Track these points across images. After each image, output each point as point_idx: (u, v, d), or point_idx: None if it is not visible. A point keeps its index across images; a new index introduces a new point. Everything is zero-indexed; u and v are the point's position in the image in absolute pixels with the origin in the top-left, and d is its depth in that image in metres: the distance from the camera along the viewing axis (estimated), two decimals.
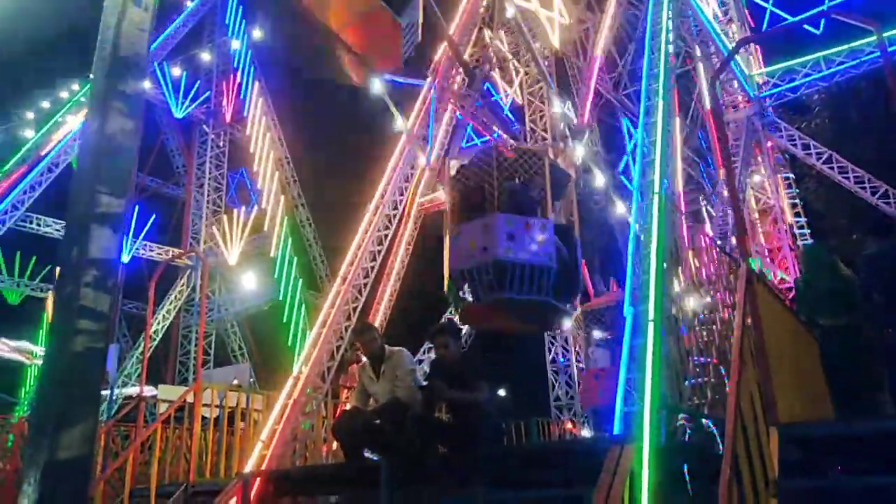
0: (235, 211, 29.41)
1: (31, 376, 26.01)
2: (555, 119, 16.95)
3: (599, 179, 18.40)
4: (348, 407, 8.01)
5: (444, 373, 6.33)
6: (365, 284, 13.76)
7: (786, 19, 19.42)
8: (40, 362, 24.98)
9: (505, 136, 18.29)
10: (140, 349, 26.73)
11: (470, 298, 8.10)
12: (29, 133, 25.25)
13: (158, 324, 27.82)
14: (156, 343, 27.67)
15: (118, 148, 2.88)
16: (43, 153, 24.28)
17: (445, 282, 8.47)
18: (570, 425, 19.25)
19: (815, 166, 19.47)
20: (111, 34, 2.97)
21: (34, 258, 27.08)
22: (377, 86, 15.62)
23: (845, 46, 18.09)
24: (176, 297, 29.03)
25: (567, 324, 14.57)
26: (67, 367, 2.69)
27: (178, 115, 29.84)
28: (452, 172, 9.23)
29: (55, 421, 2.59)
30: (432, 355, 20.22)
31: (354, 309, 12.96)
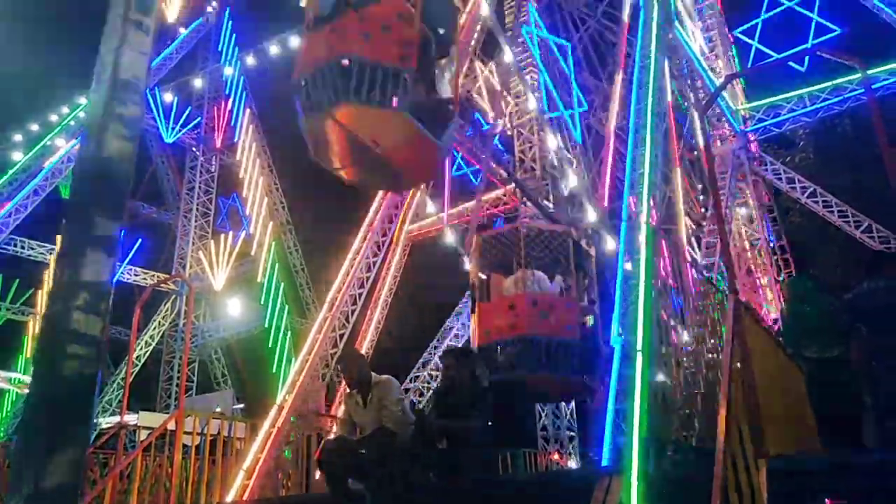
0: (223, 235, 29.31)
1: (9, 402, 25.55)
2: (547, 153, 16.97)
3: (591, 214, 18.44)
4: (332, 436, 7.86)
5: (441, 398, 6.28)
6: (353, 311, 13.69)
7: (770, 55, 19.82)
8: (20, 389, 24.54)
9: (494, 165, 18.39)
10: (122, 375, 26.34)
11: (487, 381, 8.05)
12: (17, 156, 25.12)
13: (141, 349, 27.49)
14: (138, 369, 27.30)
15: (114, 171, 2.87)
16: (30, 176, 24.16)
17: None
18: (556, 456, 19.08)
19: (799, 200, 19.73)
20: (111, 57, 2.98)
21: (17, 281, 26.81)
22: None
23: (829, 83, 18.44)
24: (160, 322, 28.74)
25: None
26: (56, 394, 2.63)
27: (169, 139, 29.90)
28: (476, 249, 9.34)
29: (42, 448, 2.52)
30: (419, 384, 20.15)
31: (341, 336, 12.88)
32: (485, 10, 17.36)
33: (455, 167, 20.69)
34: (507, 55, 17.63)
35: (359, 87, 6.44)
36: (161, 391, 27.76)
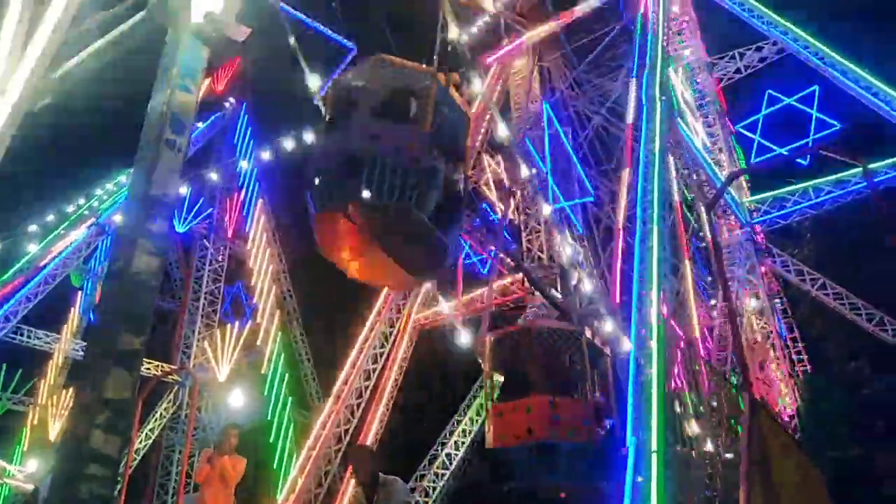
0: (229, 325, 29.09)
1: (2, 496, 24.73)
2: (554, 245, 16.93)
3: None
4: None
5: None
6: (358, 405, 13.40)
7: (772, 149, 20.17)
8: (12, 481, 23.81)
9: (502, 255, 18.42)
10: (119, 470, 25.55)
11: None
12: (31, 247, 25.35)
13: (141, 442, 26.81)
14: (136, 463, 26.51)
15: (142, 286, 2.90)
16: (41, 265, 24.33)
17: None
18: None
19: (809, 292, 19.59)
20: (143, 175, 3.06)
21: (20, 371, 26.49)
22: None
23: (832, 177, 18.69)
24: (161, 414, 28.15)
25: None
26: None
27: (181, 229, 30.25)
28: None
29: None
30: (426, 483, 19.43)
31: (346, 431, 12.54)
32: (500, 127, 18.01)
33: (465, 256, 20.76)
34: (502, 131, 18.03)
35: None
36: (158, 487, 26.83)
